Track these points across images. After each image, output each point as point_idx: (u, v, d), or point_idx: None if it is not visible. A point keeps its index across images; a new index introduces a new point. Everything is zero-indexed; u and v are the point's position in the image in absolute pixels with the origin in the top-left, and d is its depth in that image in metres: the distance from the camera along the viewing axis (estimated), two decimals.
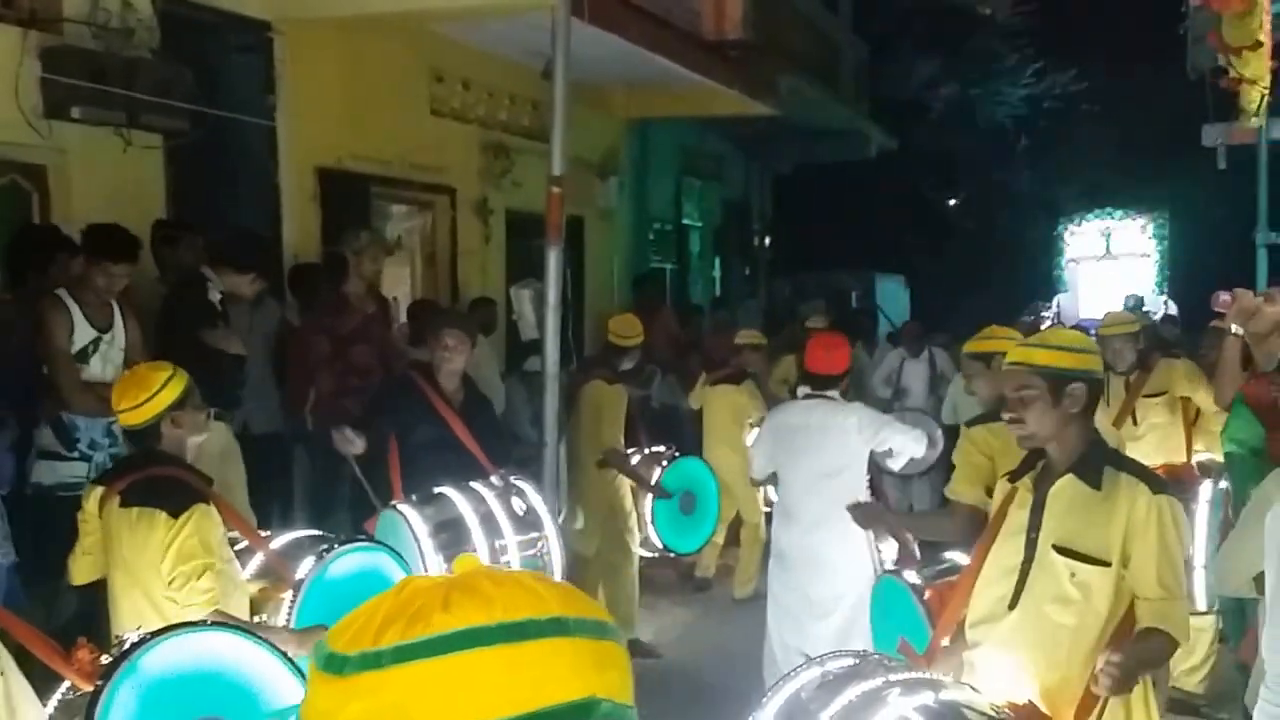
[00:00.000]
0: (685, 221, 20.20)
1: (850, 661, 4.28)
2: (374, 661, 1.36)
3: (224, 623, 4.99)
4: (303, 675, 4.87)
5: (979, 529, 5.80)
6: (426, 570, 6.62)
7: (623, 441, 10.10)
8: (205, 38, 9.84)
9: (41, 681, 4.44)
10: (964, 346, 6.78)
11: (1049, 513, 4.52)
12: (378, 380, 9.15)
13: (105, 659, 4.47)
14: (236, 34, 10.20)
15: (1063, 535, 4.46)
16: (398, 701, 1.36)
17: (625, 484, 10.03)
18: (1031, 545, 4.52)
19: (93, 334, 7.37)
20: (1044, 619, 4.45)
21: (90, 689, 4.34)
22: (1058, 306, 24.80)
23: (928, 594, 5.46)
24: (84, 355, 7.34)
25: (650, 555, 10.57)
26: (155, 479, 5.33)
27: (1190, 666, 8.23)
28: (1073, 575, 4.41)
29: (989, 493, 6.27)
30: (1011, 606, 4.54)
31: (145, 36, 8.90)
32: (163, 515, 5.16)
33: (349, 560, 6.10)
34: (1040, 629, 4.46)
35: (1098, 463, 4.50)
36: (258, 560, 6.00)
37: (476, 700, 1.36)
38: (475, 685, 1.36)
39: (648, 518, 10.20)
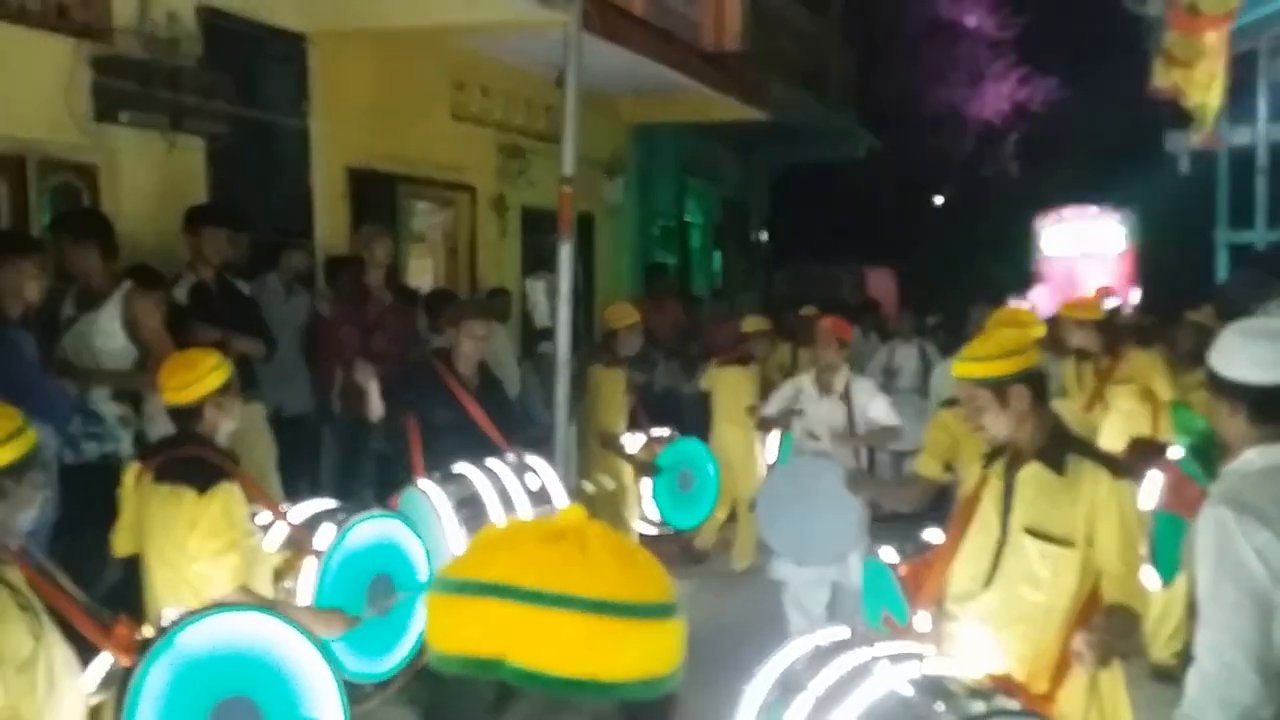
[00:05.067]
0: (687, 218, 20.19)
1: (840, 635, 4.30)
2: None
3: (257, 604, 5.00)
4: (330, 655, 4.89)
5: (933, 499, 5.98)
6: (450, 544, 6.66)
7: (624, 422, 10.13)
8: (245, 48, 9.83)
9: (83, 652, 4.43)
10: (989, 328, 6.73)
11: (1018, 497, 4.57)
12: (396, 367, 9.18)
13: (146, 632, 4.49)
14: (274, 44, 10.20)
15: (1032, 518, 4.51)
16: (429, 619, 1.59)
17: (625, 462, 10.06)
18: (1004, 528, 4.58)
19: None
20: (1016, 597, 4.51)
21: (128, 663, 4.35)
22: (1034, 299, 24.73)
23: (903, 571, 5.49)
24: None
25: (654, 532, 10.56)
26: (185, 458, 5.33)
27: (1165, 638, 8.23)
28: (1041, 556, 4.46)
29: (949, 468, 6.46)
30: (987, 585, 4.60)
31: (189, 46, 8.92)
32: (190, 492, 5.16)
33: (365, 529, 6.15)
34: (1014, 606, 4.51)
35: (1061, 449, 4.56)
36: (280, 532, 6.04)
37: None
38: None
39: (647, 495, 10.20)
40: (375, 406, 7.64)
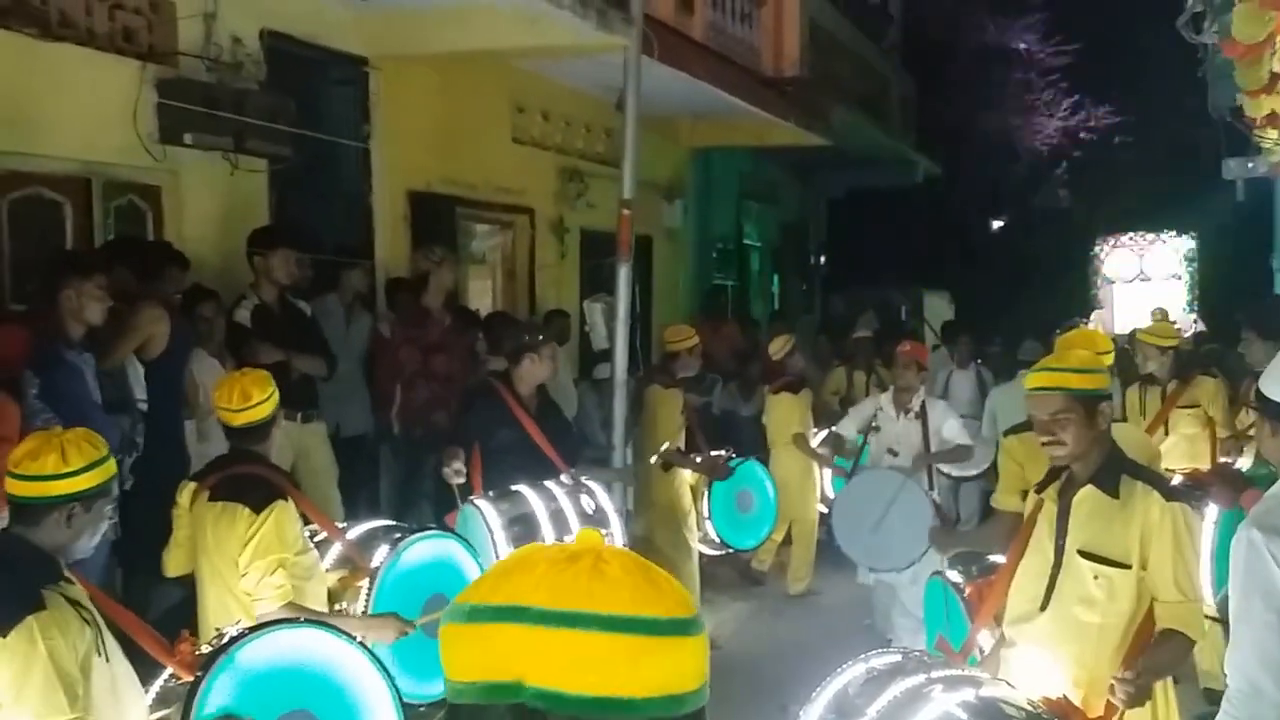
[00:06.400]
0: (746, 241, 20.15)
1: (893, 659, 4.23)
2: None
3: (315, 620, 4.99)
4: (385, 670, 4.87)
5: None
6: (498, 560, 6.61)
7: (681, 442, 10.08)
8: (307, 71, 9.87)
9: (144, 667, 4.43)
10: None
11: (1073, 520, 4.52)
12: (457, 388, 9.16)
13: (205, 649, 4.48)
14: (336, 68, 10.24)
15: (1086, 541, 4.47)
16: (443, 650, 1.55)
17: (685, 484, 9.99)
18: (1059, 551, 4.54)
19: None
20: (1072, 619, 4.46)
21: (190, 679, 4.34)
22: (1099, 323, 24.58)
23: (968, 591, 5.41)
24: None
25: (714, 553, 10.50)
26: (241, 476, 5.35)
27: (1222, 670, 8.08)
28: (1096, 578, 4.42)
29: (1024, 496, 6.39)
30: (1043, 608, 4.55)
31: (253, 70, 8.97)
32: (245, 510, 5.17)
33: (420, 548, 6.13)
34: (1070, 628, 4.47)
35: (1115, 472, 4.50)
36: (336, 550, 6.02)
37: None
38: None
39: (706, 515, 10.15)
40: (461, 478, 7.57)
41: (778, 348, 11.73)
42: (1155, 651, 4.32)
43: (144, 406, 7.27)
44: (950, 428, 9.15)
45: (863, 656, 4.30)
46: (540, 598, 1.47)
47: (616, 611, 1.47)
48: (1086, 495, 4.50)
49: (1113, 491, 4.45)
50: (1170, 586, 4.33)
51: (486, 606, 1.50)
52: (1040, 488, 4.75)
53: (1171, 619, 4.34)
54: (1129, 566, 4.38)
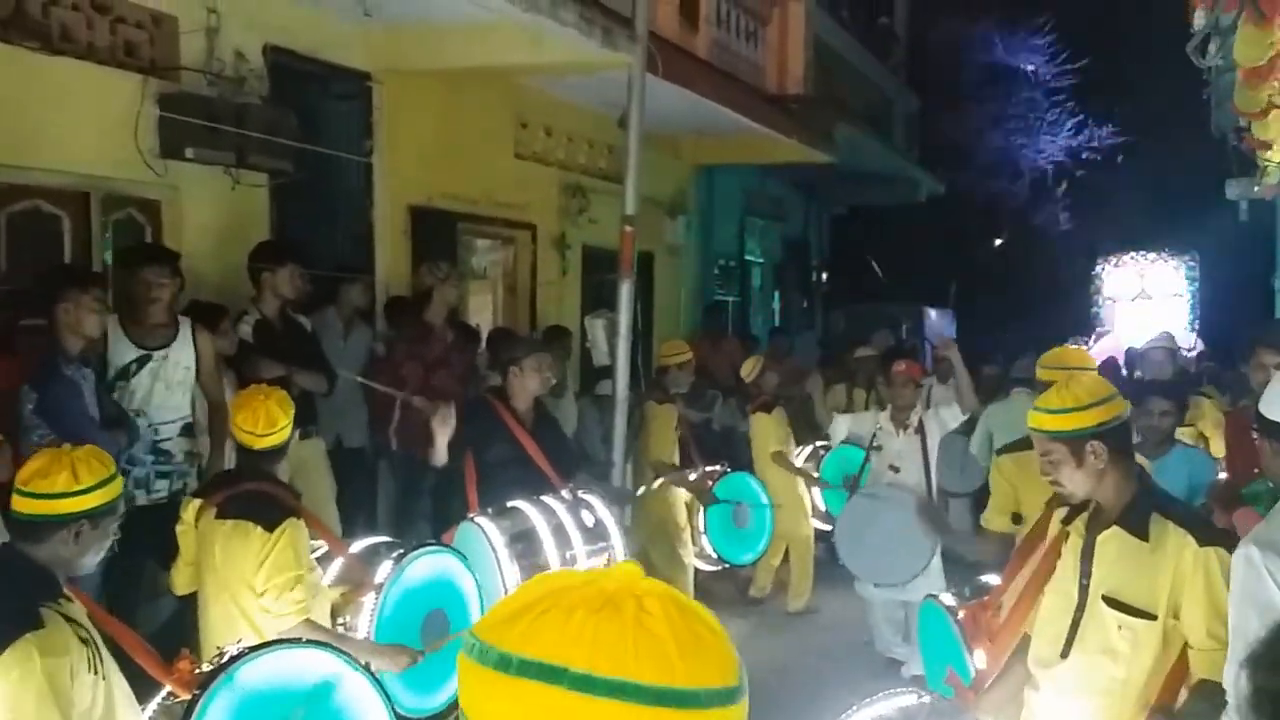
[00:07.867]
0: (748, 258, 20.13)
1: (905, 702, 4.13)
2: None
3: (317, 640, 4.97)
4: (384, 691, 4.84)
5: (1007, 553, 5.73)
6: (503, 578, 6.56)
7: (676, 457, 10.09)
8: (310, 86, 9.85)
9: (143, 685, 4.41)
10: (1038, 371, 6.70)
11: (1098, 561, 4.26)
12: (456, 404, 9.12)
13: (205, 668, 4.46)
14: (339, 83, 10.21)
15: (1112, 585, 4.20)
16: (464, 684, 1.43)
17: (679, 499, 10.00)
18: (1083, 592, 4.28)
19: (137, 353, 7.18)
20: (1096, 669, 4.23)
21: (188, 697, 4.31)
22: (1098, 342, 24.56)
23: (961, 614, 5.33)
24: (125, 374, 7.16)
25: (710, 569, 10.48)
26: (251, 494, 5.33)
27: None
28: (1120, 628, 4.17)
29: (1016, 518, 6.28)
30: (1064, 654, 4.31)
31: (255, 84, 8.94)
32: (258, 529, 5.16)
33: (421, 564, 6.12)
34: (1093, 678, 4.24)
35: (1144, 511, 4.20)
36: (337, 566, 6.00)
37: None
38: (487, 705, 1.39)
39: (701, 529, 10.14)
40: (440, 452, 7.50)
41: (748, 370, 11.67)
42: (1186, 706, 4.09)
43: (188, 420, 7.39)
44: (951, 414, 9.38)
45: (868, 700, 4.18)
46: (579, 658, 1.35)
47: (662, 682, 1.36)
48: (1112, 536, 4.22)
49: (1141, 534, 4.16)
50: (1203, 635, 4.03)
51: (520, 659, 1.36)
52: (1066, 519, 4.46)
53: (1206, 668, 4.01)
54: (1155, 617, 4.11)
